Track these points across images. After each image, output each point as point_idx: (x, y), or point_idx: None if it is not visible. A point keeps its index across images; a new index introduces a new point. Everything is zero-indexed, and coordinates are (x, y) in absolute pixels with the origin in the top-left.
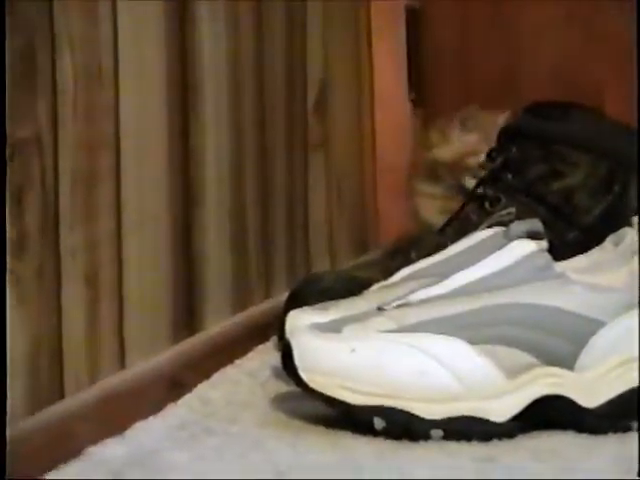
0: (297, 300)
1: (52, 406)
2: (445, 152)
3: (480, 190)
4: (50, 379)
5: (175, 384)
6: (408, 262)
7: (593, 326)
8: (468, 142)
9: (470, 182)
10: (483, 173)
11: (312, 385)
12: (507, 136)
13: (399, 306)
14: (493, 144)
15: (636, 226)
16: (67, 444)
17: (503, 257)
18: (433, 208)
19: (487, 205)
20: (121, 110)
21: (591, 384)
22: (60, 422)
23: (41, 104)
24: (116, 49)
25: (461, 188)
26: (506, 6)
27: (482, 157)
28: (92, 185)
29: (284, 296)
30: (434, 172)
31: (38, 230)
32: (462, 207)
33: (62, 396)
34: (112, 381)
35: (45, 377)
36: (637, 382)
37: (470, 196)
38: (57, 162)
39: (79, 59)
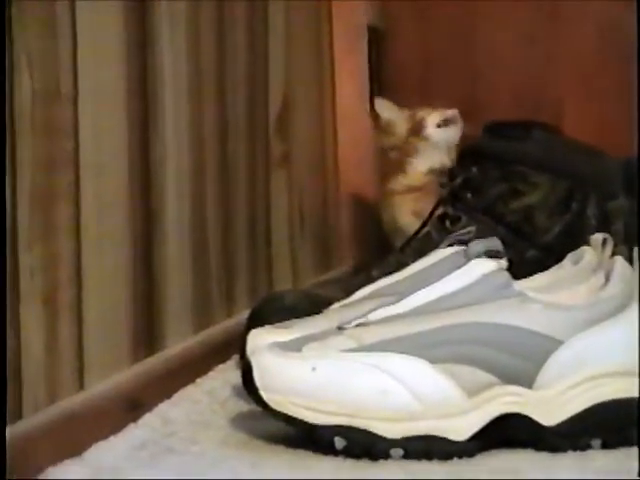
0: (258, 319)
1: (11, 426)
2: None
3: (441, 208)
4: (9, 399)
5: (135, 404)
6: (369, 280)
7: (552, 344)
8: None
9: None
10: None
11: (272, 404)
12: (467, 155)
13: (359, 325)
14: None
15: (595, 244)
16: (26, 465)
17: (463, 276)
18: (408, 208)
19: (447, 224)
20: (80, 128)
21: (550, 402)
22: (18, 443)
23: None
24: (75, 67)
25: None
26: (467, 26)
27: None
28: (51, 204)
29: (245, 315)
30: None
31: None
32: (422, 225)
33: (20, 416)
34: (71, 401)
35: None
36: (597, 400)
37: (430, 215)
38: (15, 181)
39: (38, 78)
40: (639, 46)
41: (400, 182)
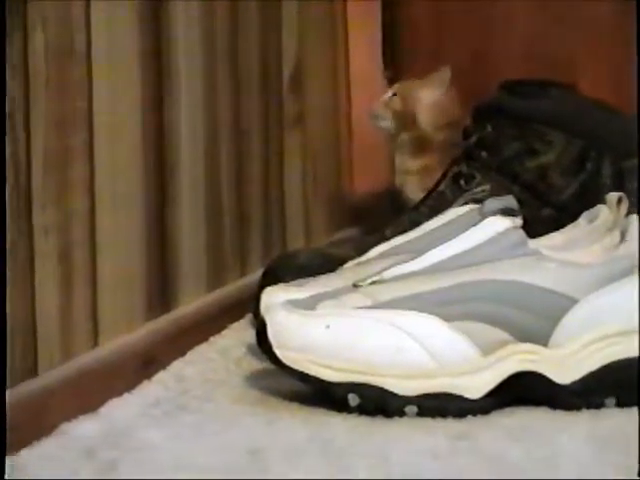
0: (272, 277)
1: (26, 383)
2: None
3: (455, 167)
4: (24, 356)
5: (149, 361)
6: (383, 239)
7: (567, 303)
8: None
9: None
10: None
11: (286, 362)
12: (482, 114)
13: (373, 283)
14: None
15: (610, 203)
16: (41, 421)
17: (477, 234)
18: (417, 185)
19: (462, 182)
20: (94, 87)
21: (565, 361)
22: (34, 399)
23: (13, 83)
24: (89, 27)
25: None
26: None
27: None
28: (65, 163)
29: (259, 274)
30: (416, 146)
31: (11, 208)
32: (437, 184)
33: (36, 373)
34: (86, 358)
35: (19, 354)
36: (611, 358)
37: (444, 173)
38: (29, 141)
39: (51, 37)
40: (639, 46)
41: (412, 164)
